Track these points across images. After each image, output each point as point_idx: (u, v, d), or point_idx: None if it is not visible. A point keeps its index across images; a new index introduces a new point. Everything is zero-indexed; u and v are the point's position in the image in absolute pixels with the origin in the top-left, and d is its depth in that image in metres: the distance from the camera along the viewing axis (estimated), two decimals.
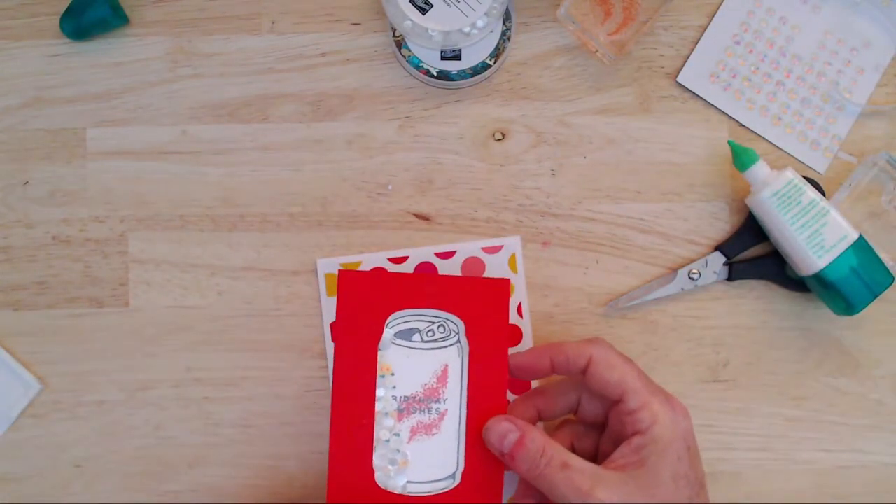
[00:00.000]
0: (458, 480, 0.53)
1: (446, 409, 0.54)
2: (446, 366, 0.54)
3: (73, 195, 0.61)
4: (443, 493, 0.53)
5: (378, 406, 0.53)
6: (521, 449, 0.50)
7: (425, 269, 0.60)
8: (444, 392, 0.54)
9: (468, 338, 0.54)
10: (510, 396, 0.56)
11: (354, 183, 0.61)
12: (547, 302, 0.60)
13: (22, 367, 0.59)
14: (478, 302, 0.54)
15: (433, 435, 0.53)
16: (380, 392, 0.53)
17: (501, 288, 0.54)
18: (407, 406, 0.54)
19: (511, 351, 0.54)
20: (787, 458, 0.60)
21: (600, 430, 0.54)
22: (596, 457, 0.53)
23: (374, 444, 0.53)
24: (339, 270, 0.54)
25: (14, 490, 0.59)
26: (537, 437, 0.50)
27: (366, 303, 0.53)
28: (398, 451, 0.53)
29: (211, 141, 0.61)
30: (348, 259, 0.60)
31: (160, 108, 0.61)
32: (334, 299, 0.59)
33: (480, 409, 0.53)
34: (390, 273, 0.57)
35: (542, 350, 0.52)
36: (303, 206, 0.61)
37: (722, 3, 0.61)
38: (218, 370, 0.60)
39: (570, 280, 0.60)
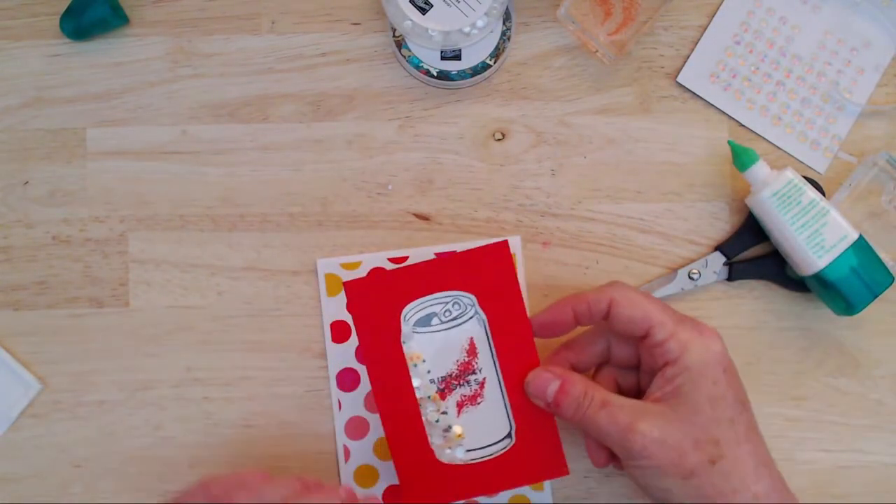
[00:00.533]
0: (514, 439, 0.55)
1: (485, 378, 0.56)
2: (471, 338, 0.56)
3: (73, 195, 0.61)
4: (504, 453, 0.55)
5: (419, 393, 0.55)
6: (563, 395, 0.51)
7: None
8: (476, 363, 0.56)
9: (483, 307, 0.55)
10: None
11: (354, 183, 0.61)
12: (547, 302, 0.60)
13: (22, 367, 0.59)
14: (483, 270, 0.55)
15: (479, 404, 0.56)
16: (416, 381, 0.56)
17: (502, 250, 0.55)
18: (446, 385, 0.56)
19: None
20: (787, 458, 0.60)
21: (637, 369, 0.54)
22: (640, 394, 0.54)
23: (426, 427, 0.55)
24: (345, 283, 0.55)
25: (14, 490, 0.59)
26: (578, 381, 0.51)
27: (377, 305, 0.55)
28: (450, 427, 0.56)
29: (211, 141, 0.61)
30: (348, 259, 0.60)
31: (160, 108, 0.61)
32: (334, 299, 0.59)
33: (515, 368, 0.55)
34: (391, 270, 0.58)
35: (562, 303, 0.53)
36: (303, 206, 0.61)
37: (722, 3, 0.61)
38: (218, 370, 0.60)
39: (570, 280, 0.60)
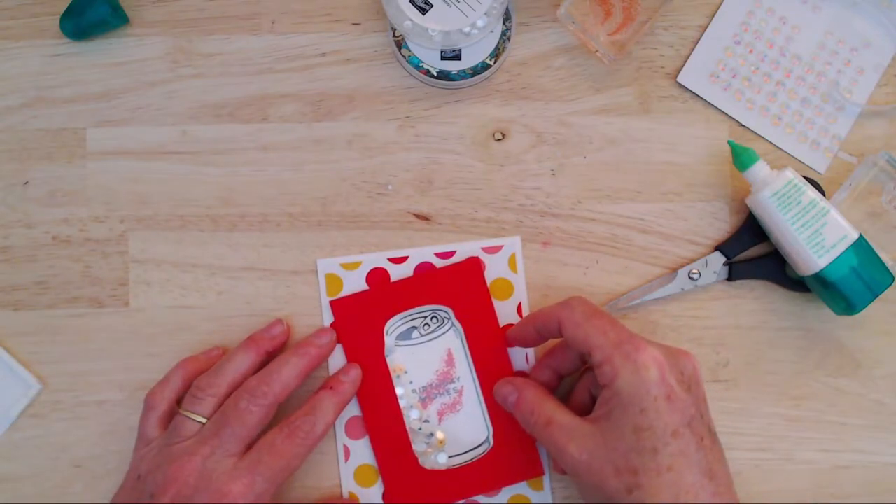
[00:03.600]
0: (492, 443, 0.58)
1: (462, 386, 0.59)
2: (449, 349, 0.59)
3: (73, 195, 0.61)
4: (483, 457, 0.58)
5: (402, 402, 0.58)
6: (517, 409, 0.54)
7: (425, 269, 0.60)
8: (454, 372, 0.59)
9: (459, 319, 0.59)
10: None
11: (354, 183, 0.61)
12: (547, 302, 0.60)
13: (22, 367, 0.59)
14: (457, 286, 0.59)
15: (458, 411, 0.59)
16: (399, 391, 0.58)
17: (474, 266, 0.59)
18: (427, 394, 0.59)
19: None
20: (787, 458, 0.60)
21: None
22: None
23: (409, 435, 0.58)
24: (331, 301, 0.59)
25: (14, 490, 0.59)
26: (529, 397, 0.54)
27: (361, 321, 0.59)
28: (432, 434, 0.58)
29: (211, 141, 0.61)
30: (348, 259, 0.60)
31: (160, 108, 0.61)
32: (334, 299, 0.59)
33: (491, 375, 0.58)
34: (374, 288, 0.59)
35: (526, 320, 0.56)
36: (303, 206, 0.61)
37: (722, 3, 0.61)
38: None
39: (570, 280, 0.60)
